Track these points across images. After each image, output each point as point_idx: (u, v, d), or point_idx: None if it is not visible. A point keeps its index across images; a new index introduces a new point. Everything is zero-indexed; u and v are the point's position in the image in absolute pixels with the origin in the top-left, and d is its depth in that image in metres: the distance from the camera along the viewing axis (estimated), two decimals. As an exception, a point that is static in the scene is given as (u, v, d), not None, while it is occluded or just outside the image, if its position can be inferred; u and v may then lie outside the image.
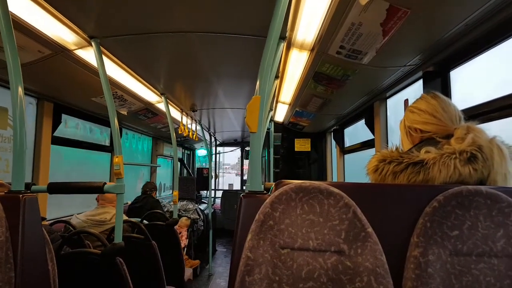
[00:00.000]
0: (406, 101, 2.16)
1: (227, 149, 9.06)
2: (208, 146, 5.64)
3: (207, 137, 5.93)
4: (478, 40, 1.46)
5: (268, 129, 4.17)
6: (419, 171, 1.02)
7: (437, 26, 1.44)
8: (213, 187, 7.03)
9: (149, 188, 4.44)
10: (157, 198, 4.64)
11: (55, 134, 2.97)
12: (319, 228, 0.91)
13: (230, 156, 8.86)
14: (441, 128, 1.15)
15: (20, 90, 1.28)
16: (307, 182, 0.93)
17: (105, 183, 1.73)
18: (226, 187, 9.19)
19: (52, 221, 2.40)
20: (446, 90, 1.75)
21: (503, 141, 1.06)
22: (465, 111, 1.22)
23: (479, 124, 1.11)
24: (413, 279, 0.85)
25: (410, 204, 0.95)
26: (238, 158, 9.61)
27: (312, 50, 1.94)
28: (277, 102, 3.44)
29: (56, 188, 1.73)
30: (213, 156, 7.16)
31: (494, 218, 0.88)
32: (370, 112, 2.76)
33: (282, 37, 1.80)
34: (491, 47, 1.46)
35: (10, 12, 1.31)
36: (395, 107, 2.56)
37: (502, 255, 0.87)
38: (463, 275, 0.86)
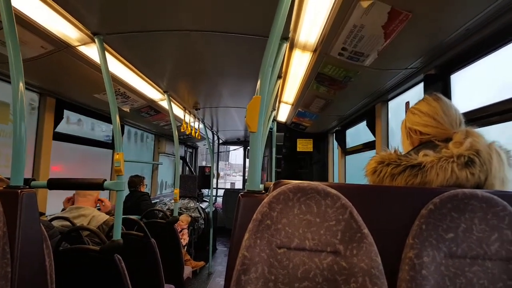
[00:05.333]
0: (407, 103, 2.16)
1: (232, 147, 9.06)
2: (211, 144, 5.64)
3: (210, 135, 5.93)
4: (479, 44, 1.46)
5: (271, 128, 4.17)
6: (417, 174, 1.03)
7: (438, 29, 1.44)
8: (214, 186, 7.04)
9: (133, 186, 4.25)
10: (155, 198, 4.51)
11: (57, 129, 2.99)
12: (316, 228, 0.91)
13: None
14: (441, 132, 1.15)
15: (21, 85, 1.29)
16: (305, 183, 0.94)
17: (105, 180, 1.74)
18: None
19: (52, 216, 2.40)
20: (446, 93, 1.75)
21: (501, 146, 1.07)
22: (465, 114, 1.22)
23: (479, 128, 1.12)
24: (408, 280, 0.86)
25: (406, 206, 0.95)
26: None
27: (314, 51, 1.95)
28: (280, 102, 3.45)
29: (56, 184, 1.75)
30: (215, 154, 7.17)
31: (489, 221, 0.89)
32: (372, 114, 2.76)
33: (285, 38, 1.80)
34: (491, 51, 1.46)
35: (13, 7, 1.32)
36: (396, 110, 2.56)
37: (496, 258, 0.88)
38: (457, 278, 0.87)
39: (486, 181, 1.01)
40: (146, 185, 4.64)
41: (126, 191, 4.31)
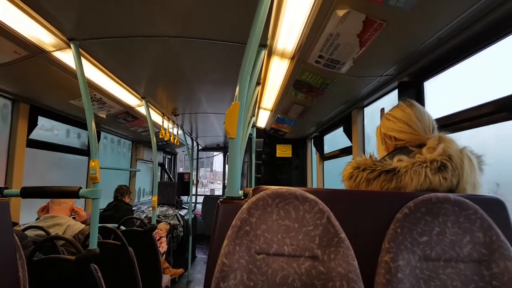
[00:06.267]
0: (382, 110, 2.22)
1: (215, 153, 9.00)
2: (190, 151, 5.60)
3: (189, 141, 5.89)
4: (450, 52, 1.51)
5: (251, 134, 4.18)
6: (392, 178, 1.06)
7: (412, 38, 1.49)
8: (194, 193, 6.97)
9: (120, 193, 4.25)
10: (130, 203, 4.47)
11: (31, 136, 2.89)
12: (294, 233, 0.92)
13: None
14: (415, 137, 1.19)
15: None
16: (283, 188, 0.95)
17: (80, 188, 1.71)
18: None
19: (26, 225, 2.32)
20: (420, 99, 1.80)
21: (473, 151, 1.11)
22: (437, 120, 1.26)
23: (451, 133, 1.16)
24: (384, 284, 0.87)
25: (382, 210, 0.97)
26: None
27: (292, 58, 1.97)
28: (259, 108, 3.46)
29: (29, 193, 1.71)
30: (195, 161, 7.12)
31: (461, 224, 0.92)
32: (348, 120, 2.81)
33: (263, 45, 1.82)
34: (462, 59, 1.51)
35: None
36: (371, 116, 2.61)
37: (468, 260, 0.91)
38: (431, 280, 0.89)
39: (458, 185, 1.04)
40: (131, 198, 4.59)
41: (108, 199, 4.25)
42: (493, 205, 0.98)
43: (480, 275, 0.90)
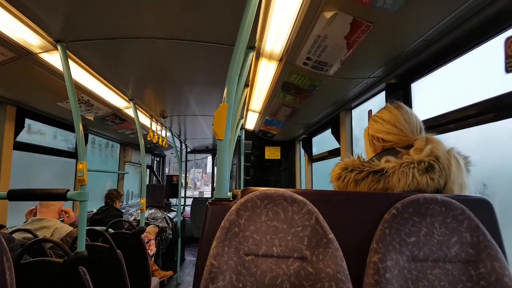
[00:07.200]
0: (370, 111, 2.23)
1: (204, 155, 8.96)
2: (179, 153, 5.57)
3: (178, 144, 5.85)
4: (437, 54, 1.53)
5: (239, 136, 4.18)
6: (379, 179, 1.06)
7: (399, 40, 1.50)
8: (182, 195, 6.93)
9: (110, 198, 4.21)
10: (121, 208, 4.43)
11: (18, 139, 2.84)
12: (283, 234, 0.92)
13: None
14: (402, 139, 1.20)
15: None
16: (272, 189, 0.95)
17: (68, 190, 1.69)
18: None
19: (13, 228, 2.29)
20: (407, 101, 1.81)
21: (460, 152, 1.12)
22: (424, 121, 1.27)
23: (438, 134, 1.17)
24: (372, 284, 0.88)
25: (370, 211, 0.98)
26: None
27: (280, 60, 1.97)
28: (247, 110, 3.46)
29: (16, 195, 1.69)
30: (183, 163, 7.09)
31: (448, 225, 0.93)
32: (336, 122, 2.83)
33: (251, 47, 1.82)
34: (448, 61, 1.52)
35: None
36: (359, 117, 2.63)
37: (455, 261, 0.91)
38: (420, 280, 0.90)
39: (445, 186, 1.05)
40: (123, 202, 4.52)
41: (95, 202, 4.20)
42: (480, 206, 0.99)
43: (468, 275, 0.91)
